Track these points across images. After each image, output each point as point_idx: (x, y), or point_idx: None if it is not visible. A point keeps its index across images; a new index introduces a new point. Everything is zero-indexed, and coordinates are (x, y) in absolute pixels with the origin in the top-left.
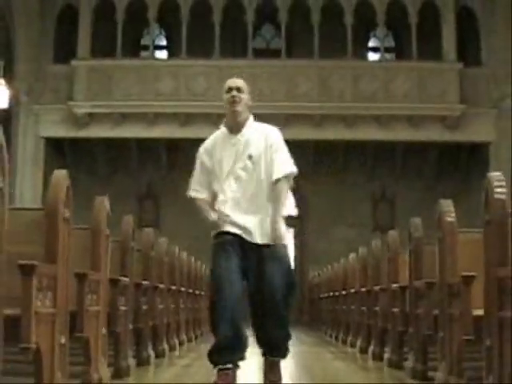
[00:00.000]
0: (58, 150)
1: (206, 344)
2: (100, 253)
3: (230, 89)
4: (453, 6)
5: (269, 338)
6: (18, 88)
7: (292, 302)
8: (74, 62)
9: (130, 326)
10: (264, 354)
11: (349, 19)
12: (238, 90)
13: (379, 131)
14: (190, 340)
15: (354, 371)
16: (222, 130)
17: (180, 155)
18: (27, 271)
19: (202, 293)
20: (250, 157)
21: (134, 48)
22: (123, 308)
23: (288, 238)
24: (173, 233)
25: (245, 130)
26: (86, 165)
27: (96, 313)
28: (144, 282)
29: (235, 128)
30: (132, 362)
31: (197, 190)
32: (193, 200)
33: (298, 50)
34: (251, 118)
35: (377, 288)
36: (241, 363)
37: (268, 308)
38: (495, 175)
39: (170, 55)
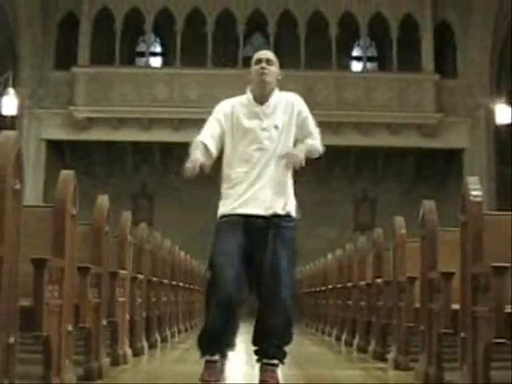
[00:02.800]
0: (59, 152)
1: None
2: (101, 248)
3: (260, 60)
4: (431, 21)
5: (268, 326)
6: (22, 93)
7: (294, 293)
8: (74, 69)
9: (128, 317)
10: (258, 355)
11: (333, 31)
12: (268, 61)
13: (361, 138)
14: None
15: (325, 353)
16: (246, 97)
17: (173, 158)
18: (39, 265)
19: (196, 287)
20: (276, 127)
21: (130, 54)
22: (121, 299)
23: (297, 215)
24: (166, 230)
25: (271, 100)
26: (85, 166)
27: (97, 304)
28: (139, 276)
29: (262, 98)
30: (129, 351)
31: (205, 135)
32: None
33: (285, 59)
34: (277, 89)
35: (362, 283)
36: (230, 353)
37: (271, 293)
38: (471, 180)
39: (165, 62)
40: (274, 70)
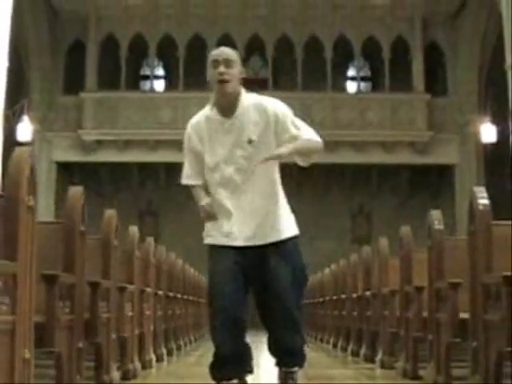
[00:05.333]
0: (68, 173)
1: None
2: (110, 262)
3: (217, 62)
4: (421, 42)
5: (280, 343)
6: (33, 117)
7: (301, 302)
8: (82, 94)
9: (136, 332)
10: (278, 364)
11: (329, 53)
12: (227, 63)
13: (356, 155)
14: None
15: (322, 357)
16: (210, 111)
17: (177, 176)
18: (50, 280)
19: (200, 299)
20: (249, 141)
21: (135, 77)
22: (130, 314)
23: (294, 229)
24: (171, 245)
25: (239, 110)
26: (93, 185)
27: (107, 319)
28: (147, 289)
29: (227, 110)
30: (138, 365)
31: (189, 176)
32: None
33: (283, 81)
34: (243, 91)
35: (354, 295)
36: (250, 377)
37: (275, 309)
38: (479, 189)
39: (168, 84)
40: (235, 72)
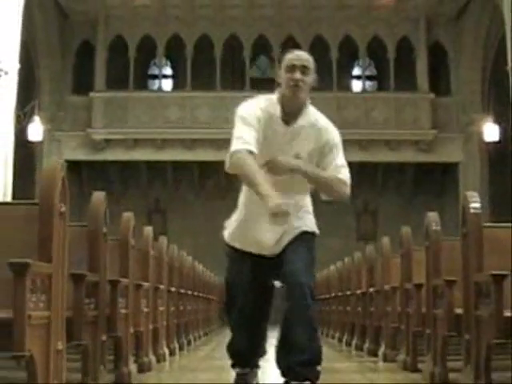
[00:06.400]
0: (78, 171)
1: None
2: (128, 261)
3: (294, 67)
4: (425, 42)
5: (293, 340)
6: (43, 117)
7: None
8: (91, 94)
9: (151, 327)
10: (285, 375)
11: (334, 54)
12: (304, 69)
13: (361, 154)
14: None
15: (328, 352)
16: (273, 107)
17: (185, 175)
18: (78, 279)
19: (209, 296)
20: (297, 155)
21: (143, 77)
22: (146, 310)
23: (315, 228)
24: (179, 242)
25: (300, 121)
26: (102, 184)
27: (125, 315)
28: (161, 286)
29: (291, 116)
30: (152, 358)
31: (248, 143)
32: (235, 160)
33: None
34: (310, 106)
35: (358, 291)
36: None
37: (291, 304)
38: (470, 194)
39: (175, 84)
40: (309, 80)
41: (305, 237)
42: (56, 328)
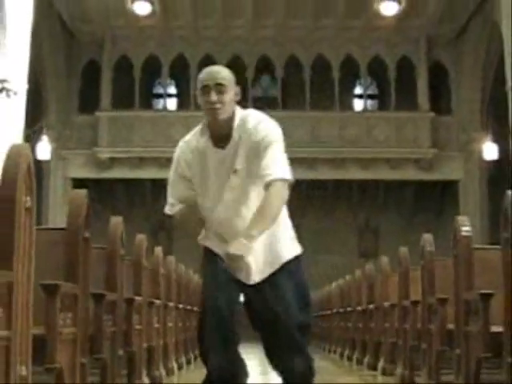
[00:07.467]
0: (83, 189)
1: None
2: (141, 280)
3: (207, 88)
4: (426, 62)
5: (286, 368)
6: (49, 136)
7: (309, 319)
8: (97, 113)
9: (161, 342)
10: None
11: (336, 73)
12: (219, 87)
13: (363, 172)
14: None
15: (330, 366)
16: (205, 140)
17: None
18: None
19: None
20: (235, 171)
21: (147, 95)
22: (157, 325)
23: (297, 249)
24: (184, 260)
25: (233, 138)
26: (108, 202)
27: (139, 331)
28: (170, 303)
29: (222, 137)
30: (163, 371)
31: (173, 205)
32: (177, 223)
33: (292, 100)
34: (236, 111)
35: (359, 308)
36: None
37: (277, 331)
38: (461, 218)
39: (179, 103)
40: (227, 98)
41: (290, 267)
42: (81, 343)
